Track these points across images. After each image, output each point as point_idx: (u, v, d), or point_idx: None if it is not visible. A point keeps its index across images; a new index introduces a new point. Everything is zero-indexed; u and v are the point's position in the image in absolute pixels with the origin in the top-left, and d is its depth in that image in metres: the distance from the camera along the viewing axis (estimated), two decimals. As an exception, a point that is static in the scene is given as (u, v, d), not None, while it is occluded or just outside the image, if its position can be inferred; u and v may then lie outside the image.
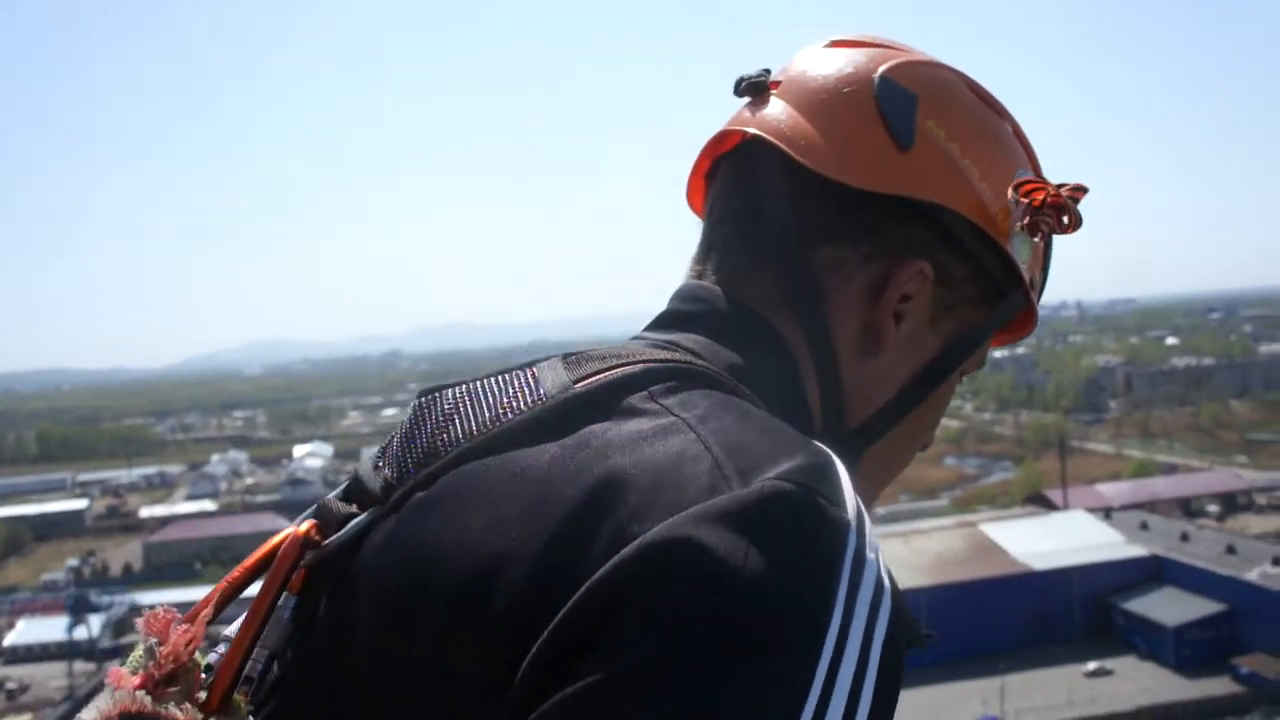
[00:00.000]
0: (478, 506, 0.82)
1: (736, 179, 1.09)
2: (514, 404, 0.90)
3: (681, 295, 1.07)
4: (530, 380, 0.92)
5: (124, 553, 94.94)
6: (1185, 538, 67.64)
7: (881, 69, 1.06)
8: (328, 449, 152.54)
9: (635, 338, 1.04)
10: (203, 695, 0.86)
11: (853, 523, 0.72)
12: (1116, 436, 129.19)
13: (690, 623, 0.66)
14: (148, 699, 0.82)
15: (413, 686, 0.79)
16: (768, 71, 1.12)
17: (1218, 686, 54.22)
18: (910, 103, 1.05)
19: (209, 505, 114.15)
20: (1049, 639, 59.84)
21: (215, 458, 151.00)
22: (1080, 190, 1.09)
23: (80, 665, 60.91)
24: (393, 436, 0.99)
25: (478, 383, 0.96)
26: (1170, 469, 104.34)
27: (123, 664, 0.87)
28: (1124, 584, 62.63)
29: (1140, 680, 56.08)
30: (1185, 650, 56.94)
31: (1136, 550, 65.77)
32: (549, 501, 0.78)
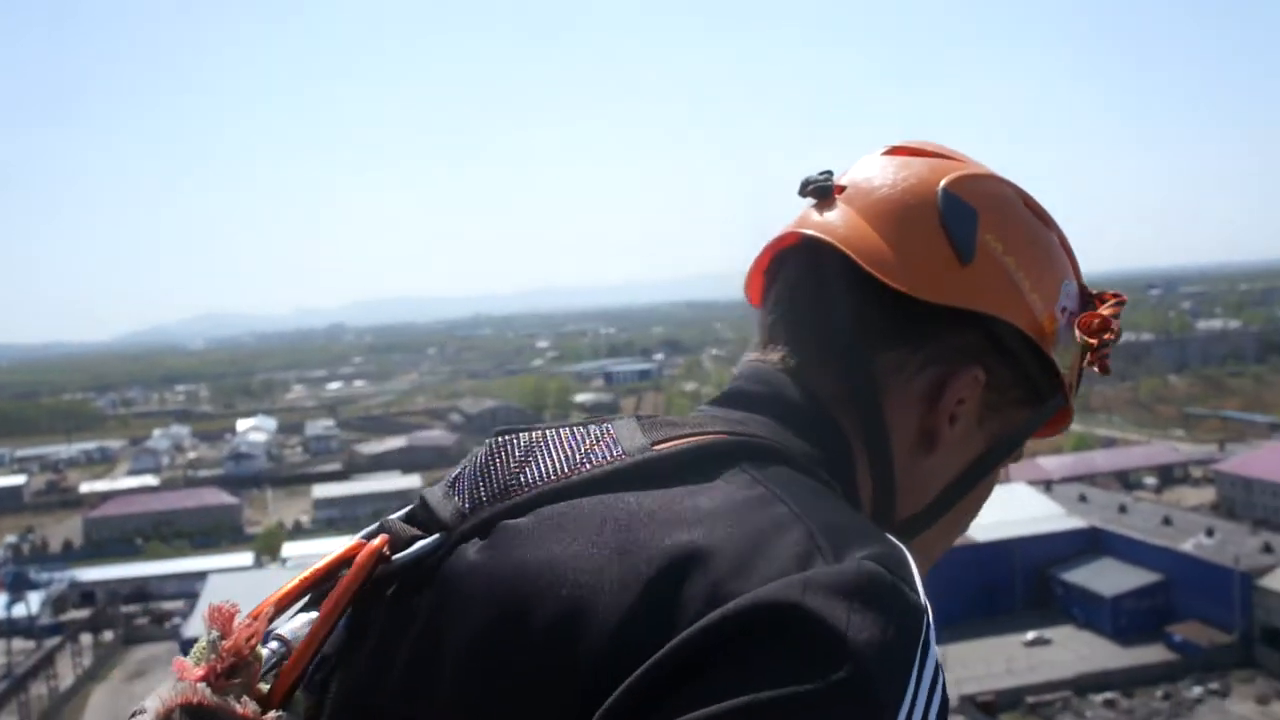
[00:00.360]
0: (572, 542, 0.86)
1: (801, 278, 1.13)
2: (595, 455, 0.96)
3: (748, 376, 1.11)
4: (610, 436, 0.98)
5: (64, 529, 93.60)
6: (1123, 510, 68.70)
7: (943, 183, 1.11)
8: (271, 423, 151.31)
9: (699, 410, 1.09)
10: (264, 688, 0.89)
11: (926, 610, 0.80)
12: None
13: (790, 676, 0.72)
14: (208, 691, 0.85)
15: (503, 704, 0.83)
16: (830, 174, 1.17)
17: (1152, 654, 55.20)
18: (971, 217, 1.10)
19: (151, 480, 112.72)
20: (990, 609, 60.59)
21: (157, 432, 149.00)
22: (1120, 304, 1.19)
23: (19, 643, 59.86)
24: (464, 468, 1.03)
25: (551, 430, 1.02)
26: (1109, 443, 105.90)
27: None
28: (1063, 555, 63.47)
29: (1078, 649, 56.95)
30: (1122, 619, 57.90)
31: (1076, 522, 66.67)
32: (644, 547, 0.83)
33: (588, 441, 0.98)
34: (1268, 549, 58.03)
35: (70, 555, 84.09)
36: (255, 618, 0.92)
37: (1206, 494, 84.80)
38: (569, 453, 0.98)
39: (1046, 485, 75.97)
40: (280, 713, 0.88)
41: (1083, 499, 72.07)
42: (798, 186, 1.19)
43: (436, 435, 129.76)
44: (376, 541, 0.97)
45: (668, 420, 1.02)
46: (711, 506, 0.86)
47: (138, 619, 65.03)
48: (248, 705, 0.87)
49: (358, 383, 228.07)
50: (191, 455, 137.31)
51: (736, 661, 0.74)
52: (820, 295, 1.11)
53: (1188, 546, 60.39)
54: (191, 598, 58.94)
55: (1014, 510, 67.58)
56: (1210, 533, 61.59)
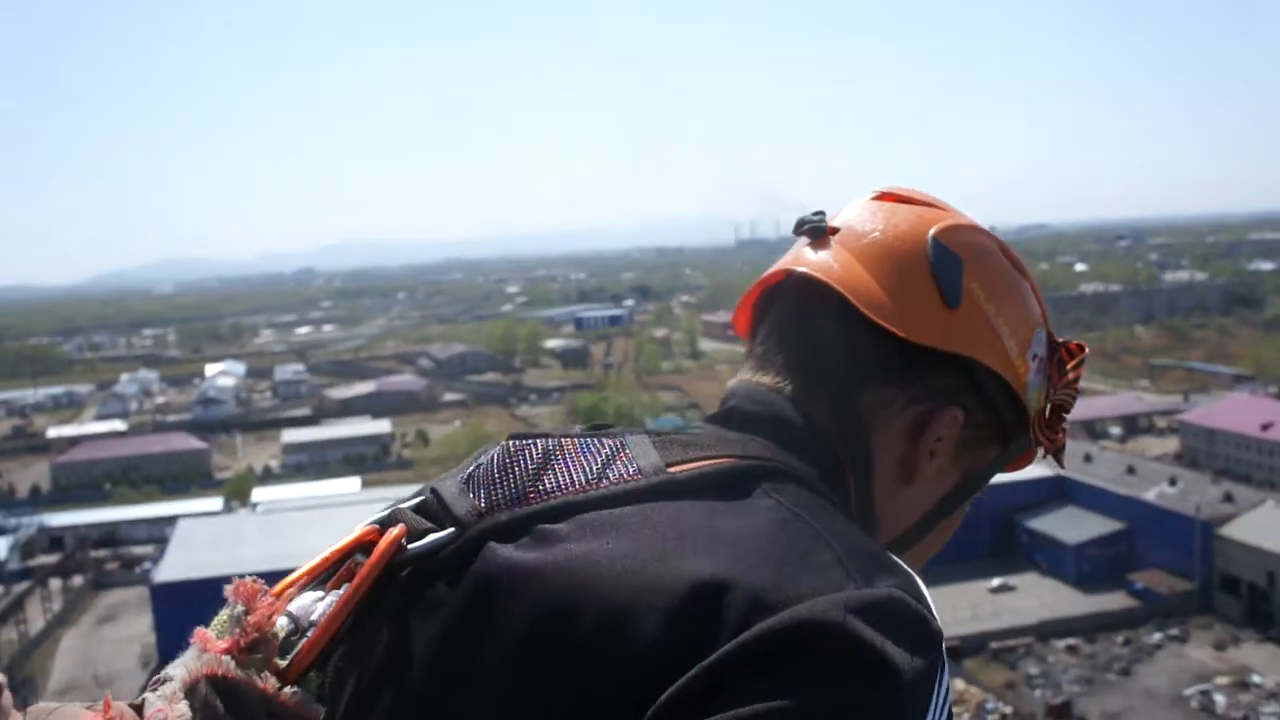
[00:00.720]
0: (612, 549, 0.91)
1: (796, 312, 1.20)
2: (613, 471, 1.00)
3: (744, 396, 1.18)
4: (626, 454, 1.03)
5: (31, 474, 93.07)
6: (1088, 459, 69.37)
7: (932, 231, 1.19)
8: (240, 368, 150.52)
9: (699, 426, 1.15)
10: (280, 663, 0.94)
11: (943, 635, 0.88)
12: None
13: (831, 689, 0.80)
14: (232, 664, 0.90)
15: (546, 701, 0.87)
16: (823, 214, 1.25)
17: (1114, 601, 56.11)
18: (958, 266, 1.18)
19: (119, 425, 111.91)
20: (956, 557, 61.08)
21: (125, 377, 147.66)
22: (1082, 361, 1.28)
23: (-12, 587, 59.92)
24: (477, 466, 1.07)
25: (566, 440, 1.06)
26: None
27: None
28: (1029, 503, 64.06)
29: (1042, 595, 57.69)
30: (1085, 567, 58.72)
31: (1041, 471, 66.88)
32: (682, 561, 0.89)
33: (603, 454, 1.03)
34: (1229, 498, 58.84)
35: (38, 500, 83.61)
36: (277, 596, 0.98)
37: (1170, 444, 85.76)
38: (586, 465, 1.01)
39: (1013, 434, 76.52)
40: (296, 689, 0.93)
41: (1049, 448, 72.67)
42: (793, 225, 1.26)
43: (406, 380, 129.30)
44: (397, 530, 1.00)
45: (679, 440, 1.06)
46: (741, 526, 0.92)
47: (107, 564, 64.96)
48: (267, 680, 0.92)
49: (327, 327, 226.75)
50: (160, 400, 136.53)
51: (777, 673, 0.80)
52: (814, 330, 1.18)
53: (1151, 495, 61.17)
54: (161, 542, 58.84)
55: (981, 459, 68.31)
56: (1173, 482, 62.35)
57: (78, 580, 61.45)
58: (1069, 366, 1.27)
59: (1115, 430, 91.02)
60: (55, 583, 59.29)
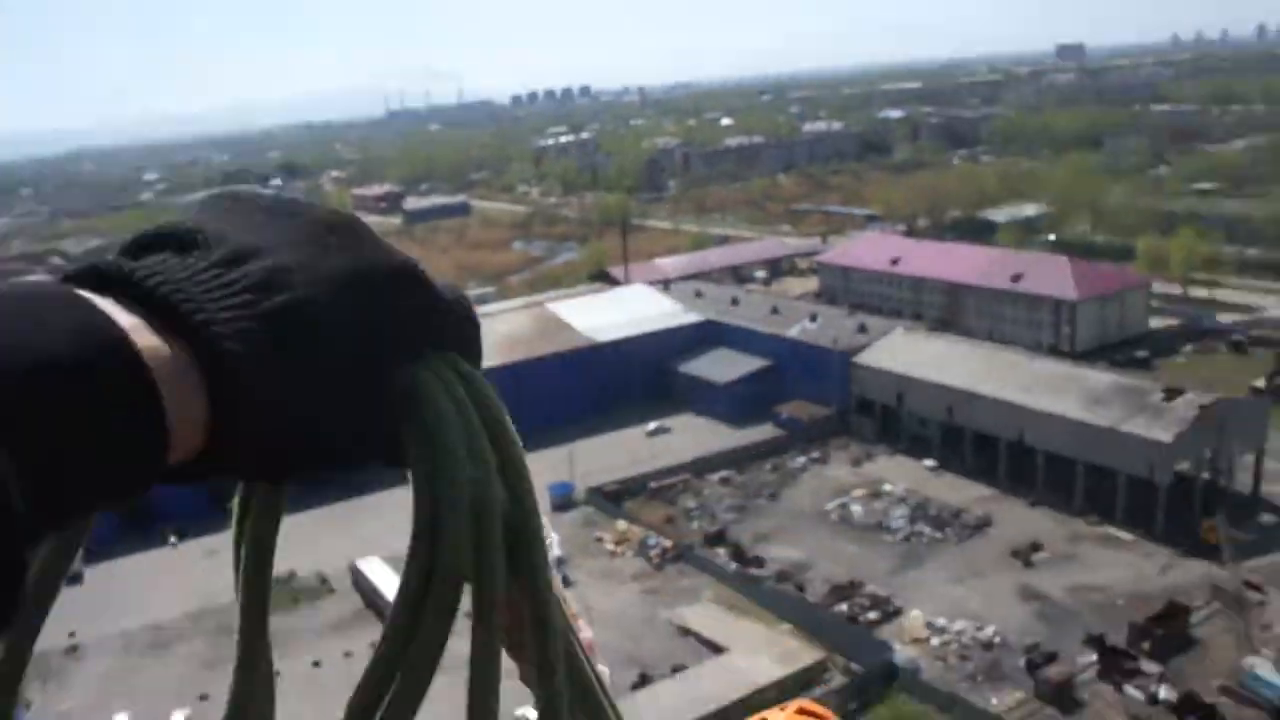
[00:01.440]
0: None
1: None
2: None
3: None
4: None
5: None
6: (735, 302, 72.69)
7: None
8: None
9: None
10: None
11: None
12: (675, 213, 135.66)
13: None
14: None
15: None
16: None
17: (762, 433, 59.85)
18: None
19: None
20: (614, 405, 63.22)
21: None
22: None
23: None
24: None
25: None
26: (723, 240, 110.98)
27: None
28: (682, 348, 66.78)
29: (696, 434, 60.84)
30: (735, 404, 62.04)
31: (692, 317, 70.00)
32: None
33: None
34: (863, 329, 63.17)
35: None
36: None
37: (810, 283, 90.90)
38: None
39: (665, 284, 78.86)
40: None
41: (699, 295, 75.56)
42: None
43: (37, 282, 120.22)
44: None
45: None
46: None
47: None
48: None
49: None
50: None
51: None
52: None
53: (793, 332, 64.81)
54: None
55: (633, 310, 70.24)
56: (814, 318, 66.39)
57: None
58: None
59: (760, 274, 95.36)
60: None
